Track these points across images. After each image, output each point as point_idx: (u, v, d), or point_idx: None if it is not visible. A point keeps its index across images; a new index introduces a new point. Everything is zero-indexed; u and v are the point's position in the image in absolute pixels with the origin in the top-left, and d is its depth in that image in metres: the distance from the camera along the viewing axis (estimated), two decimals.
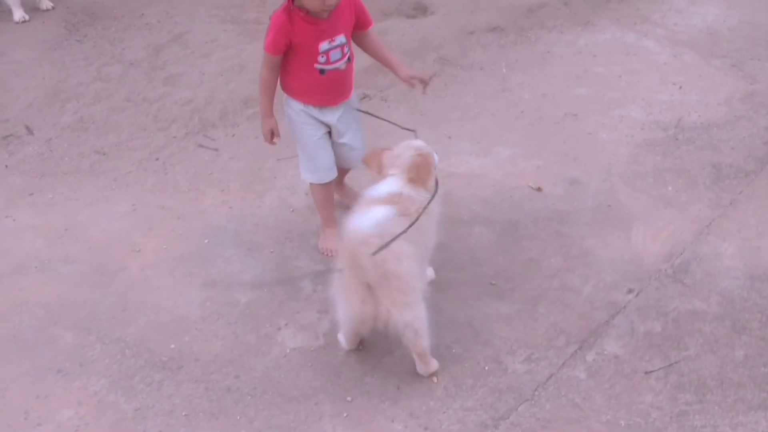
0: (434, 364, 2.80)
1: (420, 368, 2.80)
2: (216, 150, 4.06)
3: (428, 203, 2.75)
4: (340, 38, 3.09)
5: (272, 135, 3.23)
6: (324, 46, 3.06)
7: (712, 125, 4.14)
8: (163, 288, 3.23)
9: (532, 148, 4.03)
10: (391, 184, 2.79)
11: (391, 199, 2.69)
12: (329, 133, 3.29)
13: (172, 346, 2.97)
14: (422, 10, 5.43)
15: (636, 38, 5.01)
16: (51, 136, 4.21)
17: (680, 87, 4.48)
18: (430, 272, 3.13)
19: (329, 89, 3.20)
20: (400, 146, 2.92)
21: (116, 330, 3.04)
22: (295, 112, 3.20)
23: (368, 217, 2.57)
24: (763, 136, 4.05)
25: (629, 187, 3.71)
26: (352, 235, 2.54)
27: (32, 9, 5.43)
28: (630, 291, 3.13)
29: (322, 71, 3.13)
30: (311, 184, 3.37)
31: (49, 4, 5.46)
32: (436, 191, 2.84)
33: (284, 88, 3.19)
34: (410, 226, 2.59)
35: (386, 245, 2.49)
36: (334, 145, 3.33)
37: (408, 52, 4.90)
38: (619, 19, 5.25)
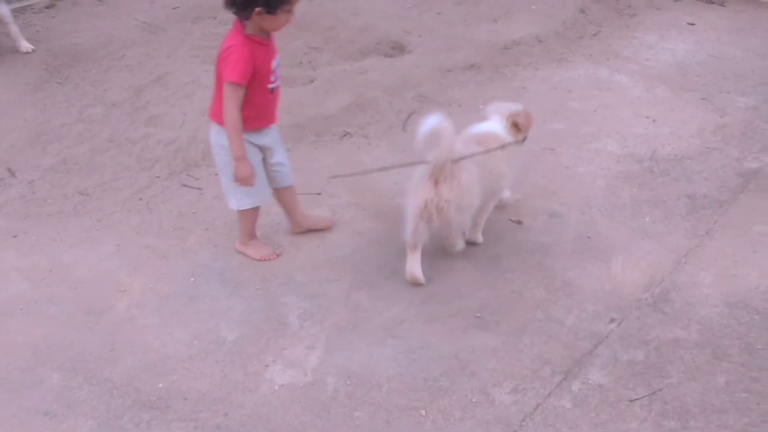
0: (459, 246, 3.54)
1: (449, 247, 3.54)
2: (199, 189, 4.09)
3: (507, 145, 3.49)
4: (277, 54, 3.26)
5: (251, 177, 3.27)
6: (274, 64, 3.22)
7: (686, 157, 4.24)
8: (149, 327, 3.24)
9: (513, 182, 4.10)
10: (490, 125, 3.56)
11: (486, 136, 3.47)
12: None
13: (160, 385, 2.97)
14: (400, 49, 5.52)
15: (609, 73, 5.14)
16: (34, 178, 4.22)
17: (653, 120, 4.59)
18: (507, 194, 3.82)
19: (274, 107, 3.36)
20: (500, 104, 3.71)
21: (103, 370, 3.04)
22: None
23: (465, 136, 3.46)
24: (735, 166, 4.15)
25: (608, 219, 3.78)
26: (445, 141, 3.15)
27: (12, 52, 5.46)
28: (612, 321, 3.19)
29: (272, 90, 3.27)
30: (244, 210, 3.48)
31: (29, 47, 5.49)
32: (524, 140, 3.63)
33: (222, 119, 3.22)
34: (486, 151, 3.39)
35: (465, 157, 3.28)
36: (268, 167, 3.45)
37: (387, 90, 4.98)
38: (592, 55, 5.38)
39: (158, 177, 4.22)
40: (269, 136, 3.36)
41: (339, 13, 5.94)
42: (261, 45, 3.13)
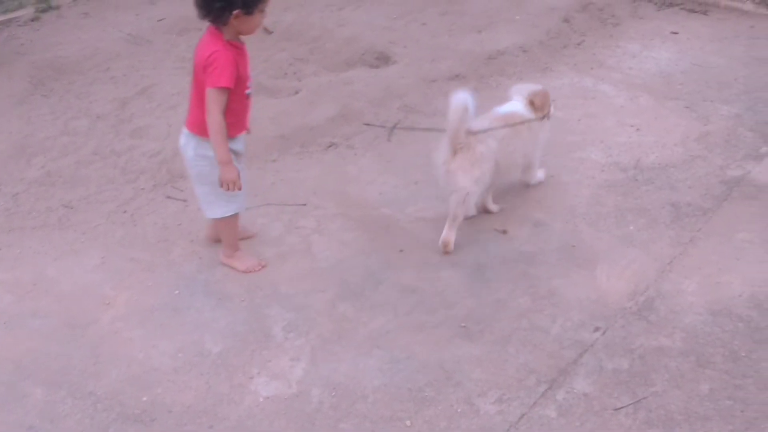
0: (450, 238, 3.66)
1: (444, 233, 3.68)
2: (184, 201, 4.08)
3: (527, 121, 3.82)
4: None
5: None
6: (249, 69, 3.26)
7: (670, 165, 4.26)
8: (134, 340, 3.22)
9: (497, 191, 4.11)
10: (513, 105, 3.90)
11: (508, 115, 3.80)
12: None
13: (145, 398, 2.96)
14: (385, 60, 5.53)
15: (593, 83, 5.16)
16: (18, 191, 4.21)
17: (637, 129, 4.61)
18: (541, 174, 4.13)
19: (248, 113, 3.39)
20: (522, 85, 4.09)
21: (87, 384, 3.03)
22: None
23: (490, 115, 3.82)
24: (719, 174, 4.18)
25: (592, 228, 3.80)
26: (452, 115, 3.54)
27: None
28: (597, 329, 3.19)
29: (248, 96, 3.30)
30: (223, 218, 3.48)
31: None
32: (548, 116, 3.95)
33: (205, 128, 3.20)
34: (506, 126, 3.73)
35: (485, 131, 3.65)
36: None
37: (373, 100, 4.98)
38: (576, 65, 5.41)
39: (143, 189, 4.21)
40: (240, 143, 3.40)
41: (325, 24, 5.95)
42: (239, 50, 3.19)
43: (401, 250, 3.70)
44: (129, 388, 3.01)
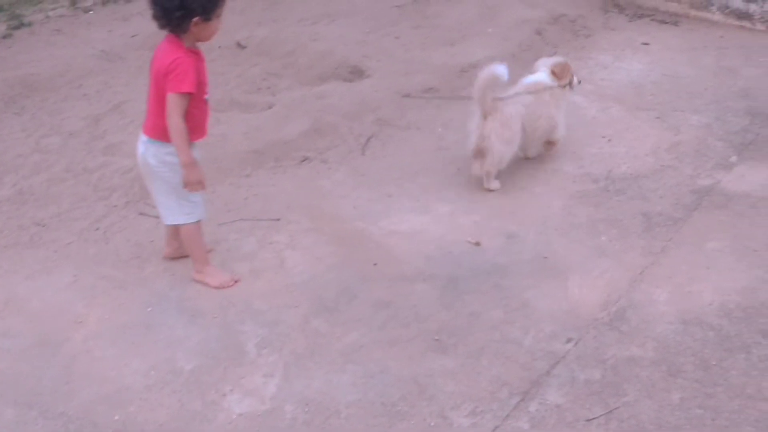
0: (495, 185, 4.22)
1: (485, 183, 4.22)
2: (157, 217, 4.03)
3: (550, 88, 4.34)
4: None
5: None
6: (207, 75, 3.32)
7: (641, 175, 4.30)
8: (106, 358, 3.20)
9: (470, 203, 4.14)
10: (538, 76, 4.40)
11: (534, 84, 4.32)
12: None
13: (117, 417, 2.93)
14: (359, 74, 5.55)
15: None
16: None
17: (609, 140, 4.65)
18: (562, 132, 4.48)
19: (207, 117, 3.42)
20: (546, 58, 4.64)
21: (59, 404, 3.00)
22: (175, 155, 3.29)
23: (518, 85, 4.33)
24: (689, 184, 4.22)
25: (565, 239, 3.82)
26: (479, 81, 4.04)
27: None
28: (569, 340, 3.21)
29: (207, 100, 3.36)
30: (185, 226, 3.49)
31: None
32: (570, 84, 4.45)
33: (166, 134, 3.25)
34: (530, 92, 4.25)
35: (513, 97, 4.19)
36: None
37: (347, 114, 5.00)
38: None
39: (115, 206, 4.19)
40: (197, 149, 3.42)
41: (298, 38, 5.96)
42: (198, 56, 3.27)
43: (375, 264, 3.70)
44: (101, 407, 2.98)
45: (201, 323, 3.36)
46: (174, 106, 3.18)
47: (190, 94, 3.20)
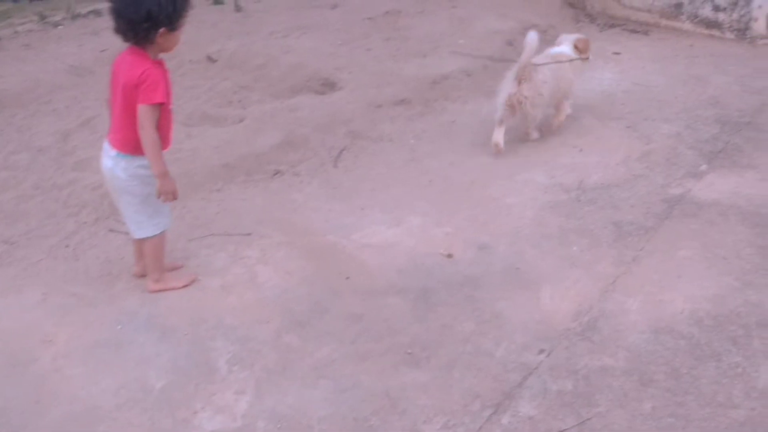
0: (534, 135, 4.89)
1: (529, 134, 4.88)
2: (127, 234, 4.01)
3: (573, 59, 4.96)
4: None
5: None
6: (170, 85, 3.32)
7: (612, 185, 4.33)
8: (76, 377, 3.16)
9: (442, 215, 4.14)
10: (562, 48, 5.02)
11: (558, 55, 4.93)
12: None
13: None
14: (331, 86, 5.55)
15: None
16: None
17: (580, 150, 4.68)
18: (568, 108, 5.06)
19: (172, 127, 3.43)
20: (567, 34, 5.25)
21: (28, 425, 2.95)
22: (147, 168, 3.32)
23: (544, 55, 4.92)
24: (660, 193, 4.25)
25: (536, 249, 3.83)
26: (526, 52, 4.62)
27: None
28: (541, 351, 3.21)
29: (171, 110, 3.37)
30: (154, 237, 3.50)
31: None
32: (587, 58, 5.06)
33: (137, 147, 3.27)
34: (560, 61, 4.85)
35: (545, 64, 4.76)
36: None
37: (319, 126, 4.99)
38: None
39: (85, 223, 4.15)
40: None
41: (269, 51, 5.96)
42: (163, 67, 3.28)
43: (347, 278, 3.69)
44: (70, 426, 2.94)
45: (172, 340, 3.33)
46: (146, 117, 3.20)
47: (161, 104, 3.23)
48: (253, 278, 3.68)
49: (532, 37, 4.64)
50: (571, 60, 4.93)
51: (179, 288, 3.59)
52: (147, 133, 3.21)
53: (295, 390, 3.05)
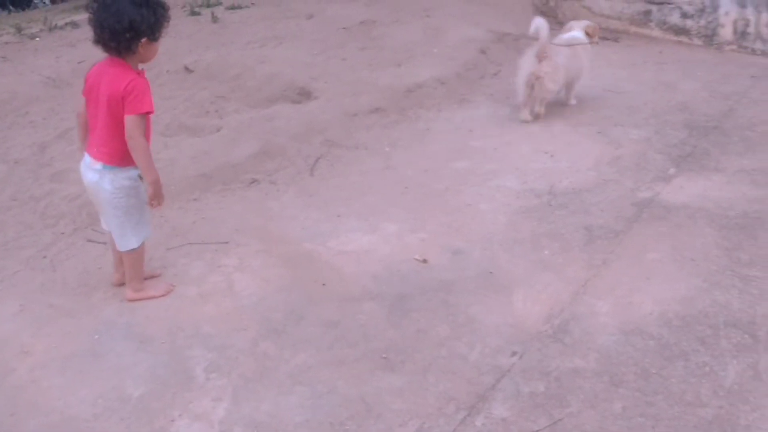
0: (526, 118, 5.23)
1: (536, 109, 5.26)
2: (105, 244, 4.04)
3: (584, 43, 5.43)
4: None
5: None
6: None
7: (583, 190, 4.40)
8: (53, 388, 3.18)
9: (417, 221, 4.20)
10: (574, 33, 5.44)
11: (571, 39, 5.37)
12: None
13: None
14: (306, 95, 5.60)
15: (509, 111, 5.30)
16: None
17: (552, 155, 4.76)
18: (573, 101, 5.61)
19: (151, 135, 3.46)
20: (577, 21, 5.70)
21: None
22: (132, 179, 3.39)
23: (558, 39, 5.40)
24: (630, 197, 4.33)
25: (509, 254, 3.89)
26: (544, 34, 5.08)
27: None
28: (514, 354, 3.27)
29: (151, 119, 3.41)
30: (137, 248, 3.54)
31: None
32: (596, 41, 5.54)
33: (125, 158, 3.33)
34: (573, 44, 5.33)
35: (567, 45, 5.28)
36: None
37: (295, 136, 5.04)
38: (493, 95, 5.56)
39: (63, 233, 4.17)
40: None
41: (246, 61, 6.00)
42: (146, 77, 3.32)
43: (324, 285, 3.73)
44: None
45: (149, 349, 3.36)
46: (135, 127, 3.23)
47: (150, 113, 3.28)
48: (230, 286, 3.72)
49: (541, 21, 5.10)
50: (582, 43, 5.43)
51: (157, 297, 3.63)
52: (137, 143, 3.25)
53: (271, 397, 3.09)
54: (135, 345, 3.38)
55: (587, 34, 5.46)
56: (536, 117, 5.29)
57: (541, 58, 5.08)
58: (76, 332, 3.48)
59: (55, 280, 3.83)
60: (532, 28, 5.09)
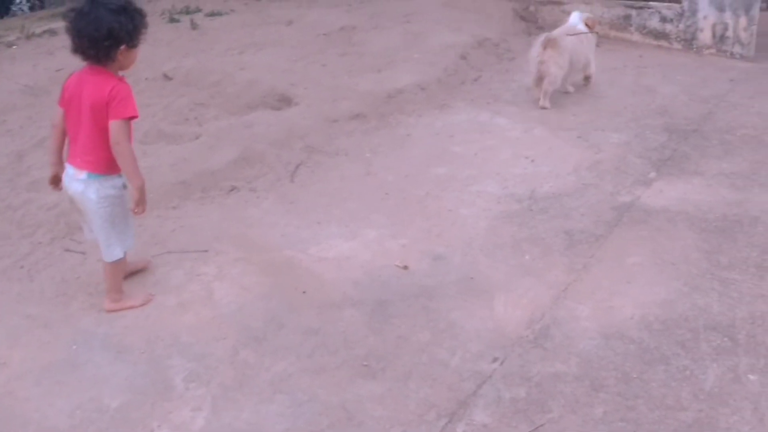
0: (547, 104, 5.60)
1: (540, 102, 5.59)
2: (83, 253, 4.02)
3: (585, 33, 5.89)
4: None
5: None
6: None
7: (563, 194, 4.41)
8: (30, 399, 3.14)
9: (398, 227, 4.18)
10: (575, 23, 5.85)
11: (575, 29, 5.80)
12: None
13: None
14: (287, 102, 5.58)
15: (489, 116, 5.31)
16: None
17: (532, 160, 4.76)
18: (593, 68, 6.05)
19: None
20: (578, 13, 6.08)
21: None
22: (117, 188, 3.41)
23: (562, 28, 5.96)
24: (610, 201, 4.34)
25: (490, 259, 3.89)
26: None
27: None
28: (495, 359, 3.26)
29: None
30: (117, 260, 3.54)
31: None
32: (596, 32, 6.05)
33: (110, 166, 3.33)
34: (576, 34, 5.75)
35: (570, 34, 5.73)
36: None
37: (275, 142, 5.02)
38: (474, 100, 5.56)
39: (40, 243, 4.13)
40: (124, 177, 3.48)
41: (225, 68, 5.98)
42: (127, 83, 3.33)
43: (304, 292, 3.71)
44: None
45: (128, 359, 3.32)
46: (121, 132, 3.24)
47: (135, 118, 3.28)
48: (209, 295, 3.69)
49: (575, 15, 5.95)
50: (584, 34, 5.90)
51: (136, 307, 3.59)
52: (123, 148, 3.25)
53: (251, 405, 3.06)
54: (113, 355, 3.35)
55: (587, 25, 5.84)
56: (544, 96, 5.64)
57: (546, 45, 5.49)
58: (53, 343, 3.44)
59: (32, 290, 3.79)
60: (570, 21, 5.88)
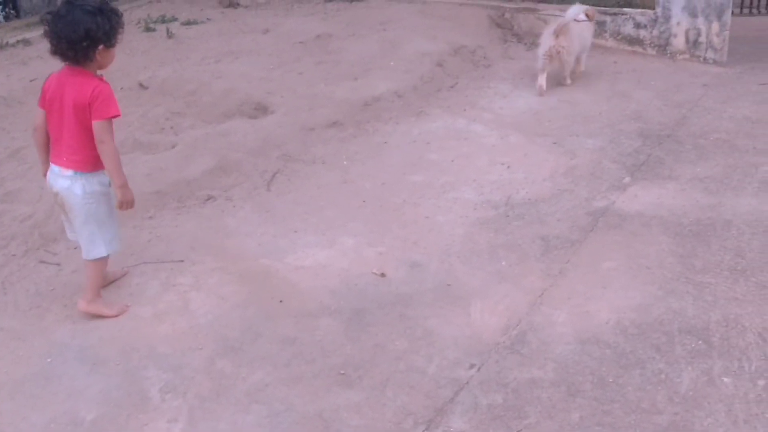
0: (568, 81, 6.24)
1: (564, 80, 6.26)
2: (58, 264, 3.99)
3: (585, 21, 6.34)
4: None
5: None
6: None
7: (539, 200, 4.43)
8: (3, 413, 3.11)
9: (375, 235, 4.19)
10: (576, 14, 6.18)
11: (576, 17, 6.19)
12: None
13: None
14: (263, 110, 5.57)
15: (466, 123, 5.33)
16: None
17: (508, 167, 4.78)
18: (567, 81, 6.36)
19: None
20: (578, 5, 6.44)
21: None
22: (103, 185, 3.46)
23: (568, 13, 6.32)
24: (585, 206, 4.36)
25: (466, 265, 3.90)
26: (568, 16, 6.14)
27: None
28: (472, 366, 3.26)
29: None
30: (100, 259, 3.56)
31: None
32: (594, 22, 6.52)
33: (96, 164, 3.39)
34: (579, 21, 6.18)
35: (581, 21, 6.22)
36: None
37: (251, 150, 5.01)
38: (450, 107, 5.57)
39: (14, 255, 4.09)
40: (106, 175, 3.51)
41: (201, 77, 5.96)
42: (107, 82, 3.37)
43: (281, 301, 3.70)
44: None
45: (103, 371, 3.30)
46: (105, 131, 3.31)
47: (118, 117, 3.34)
48: (186, 305, 3.68)
49: (575, 7, 6.28)
50: (584, 21, 6.32)
51: (111, 317, 3.57)
52: (107, 147, 3.32)
53: (228, 416, 3.05)
54: (88, 367, 3.32)
55: (587, 15, 6.31)
56: (564, 79, 6.18)
57: (558, 34, 5.86)
58: (27, 355, 3.41)
59: (6, 303, 3.75)
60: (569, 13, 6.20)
